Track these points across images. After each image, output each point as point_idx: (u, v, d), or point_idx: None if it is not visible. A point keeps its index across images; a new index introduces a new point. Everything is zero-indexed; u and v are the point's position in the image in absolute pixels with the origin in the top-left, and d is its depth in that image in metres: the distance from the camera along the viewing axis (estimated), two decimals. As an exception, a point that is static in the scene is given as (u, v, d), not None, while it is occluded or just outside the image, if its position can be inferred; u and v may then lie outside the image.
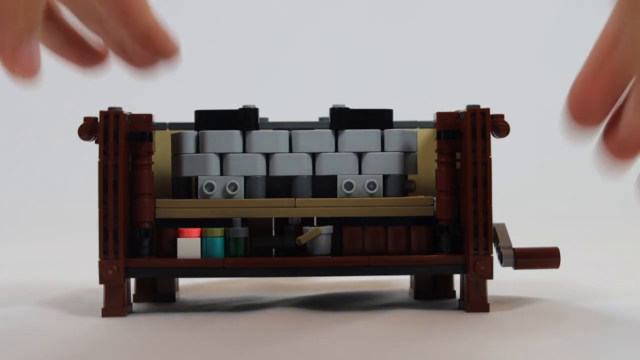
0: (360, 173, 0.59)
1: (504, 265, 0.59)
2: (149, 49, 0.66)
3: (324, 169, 0.59)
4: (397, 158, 0.59)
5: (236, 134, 0.59)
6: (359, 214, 0.58)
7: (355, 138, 0.59)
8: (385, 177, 0.59)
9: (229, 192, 0.58)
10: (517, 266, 0.60)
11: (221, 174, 0.59)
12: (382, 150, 0.60)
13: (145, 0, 0.63)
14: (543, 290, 0.63)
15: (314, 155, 0.59)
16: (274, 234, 0.61)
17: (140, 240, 0.57)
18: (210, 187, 0.58)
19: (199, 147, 0.59)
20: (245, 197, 0.59)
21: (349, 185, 0.59)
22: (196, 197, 0.59)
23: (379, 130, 0.59)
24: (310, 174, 0.59)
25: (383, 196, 0.59)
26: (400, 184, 0.59)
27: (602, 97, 0.45)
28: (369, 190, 0.59)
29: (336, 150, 0.59)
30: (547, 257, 0.60)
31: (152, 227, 0.58)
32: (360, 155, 0.59)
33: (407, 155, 0.60)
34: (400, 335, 0.50)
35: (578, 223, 1.12)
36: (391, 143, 0.59)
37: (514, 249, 0.59)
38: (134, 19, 0.63)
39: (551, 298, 0.62)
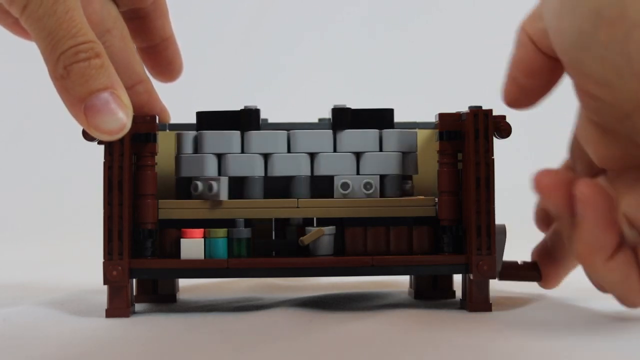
0: (358, 173, 0.59)
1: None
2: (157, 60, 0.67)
3: (322, 169, 0.59)
4: (396, 158, 0.59)
5: (235, 134, 0.59)
6: (361, 214, 0.58)
7: (354, 138, 0.59)
8: (383, 177, 0.59)
9: (207, 192, 0.58)
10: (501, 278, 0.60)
11: (219, 174, 0.59)
12: (381, 150, 0.60)
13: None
14: (544, 290, 0.63)
15: (312, 155, 0.59)
16: (274, 235, 0.61)
17: (144, 241, 0.57)
18: (195, 187, 0.58)
19: (197, 147, 0.59)
20: (243, 198, 0.59)
21: (346, 186, 0.59)
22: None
23: (377, 130, 0.60)
24: (309, 174, 0.59)
25: (380, 197, 0.59)
26: (399, 184, 0.60)
27: None
28: (365, 191, 0.59)
29: (334, 150, 0.60)
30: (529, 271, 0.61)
31: (156, 228, 0.58)
32: (358, 155, 0.60)
33: (407, 156, 0.60)
34: (403, 334, 0.50)
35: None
36: (389, 143, 0.60)
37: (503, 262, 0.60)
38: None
39: (552, 298, 0.62)
